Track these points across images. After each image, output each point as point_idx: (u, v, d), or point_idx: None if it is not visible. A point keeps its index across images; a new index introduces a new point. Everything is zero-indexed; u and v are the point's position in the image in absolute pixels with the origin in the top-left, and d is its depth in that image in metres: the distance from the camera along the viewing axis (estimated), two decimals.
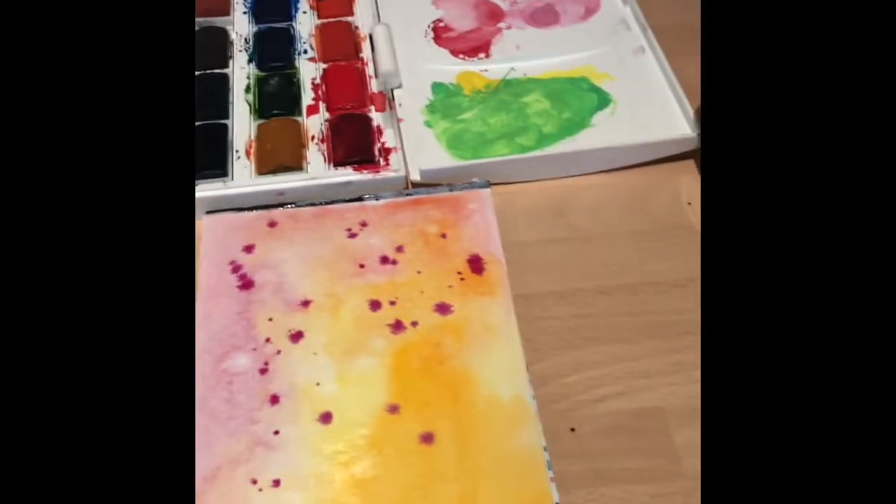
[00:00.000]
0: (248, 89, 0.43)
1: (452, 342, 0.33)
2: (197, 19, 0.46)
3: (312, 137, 0.41)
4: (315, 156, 0.40)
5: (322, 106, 0.42)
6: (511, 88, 0.45)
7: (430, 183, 0.40)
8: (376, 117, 0.42)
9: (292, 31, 0.46)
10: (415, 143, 0.41)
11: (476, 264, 0.36)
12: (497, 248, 0.36)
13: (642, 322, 0.35)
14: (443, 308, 0.34)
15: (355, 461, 0.30)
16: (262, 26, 0.46)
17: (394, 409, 0.32)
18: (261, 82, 0.43)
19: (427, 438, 0.31)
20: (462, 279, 0.35)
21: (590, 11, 0.49)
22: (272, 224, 0.37)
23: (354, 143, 0.40)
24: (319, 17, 0.47)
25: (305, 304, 0.35)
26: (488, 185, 0.39)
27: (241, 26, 0.46)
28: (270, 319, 0.34)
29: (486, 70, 0.45)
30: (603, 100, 0.44)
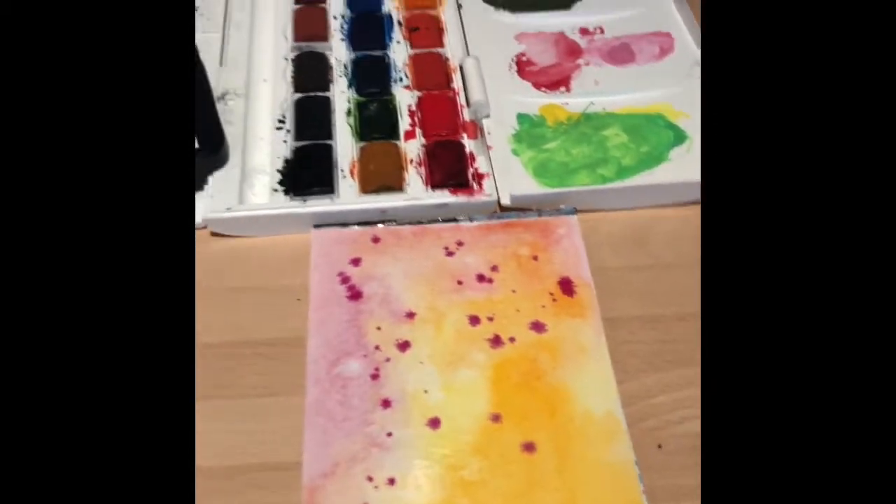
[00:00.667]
0: (349, 112, 0.46)
1: (548, 359, 0.36)
2: (298, 43, 0.49)
3: (411, 161, 0.43)
4: (414, 178, 0.43)
5: (419, 132, 0.45)
6: (591, 122, 0.47)
7: (519, 207, 0.42)
8: (469, 144, 0.45)
9: (387, 60, 0.49)
10: (503, 170, 0.44)
11: (567, 286, 0.38)
12: (586, 272, 0.39)
13: None
14: (537, 326, 0.37)
15: (463, 465, 0.33)
16: (359, 54, 0.49)
17: (496, 418, 0.34)
18: (360, 107, 0.46)
19: (529, 448, 0.33)
20: (554, 300, 0.38)
21: (664, 52, 0.51)
22: (376, 240, 0.40)
23: (450, 167, 0.43)
24: (412, 48, 0.50)
25: (411, 315, 0.37)
26: (575, 211, 0.42)
27: (339, 52, 0.49)
28: (379, 328, 0.37)
29: (567, 103, 0.48)
30: (679, 136, 0.46)
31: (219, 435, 0.34)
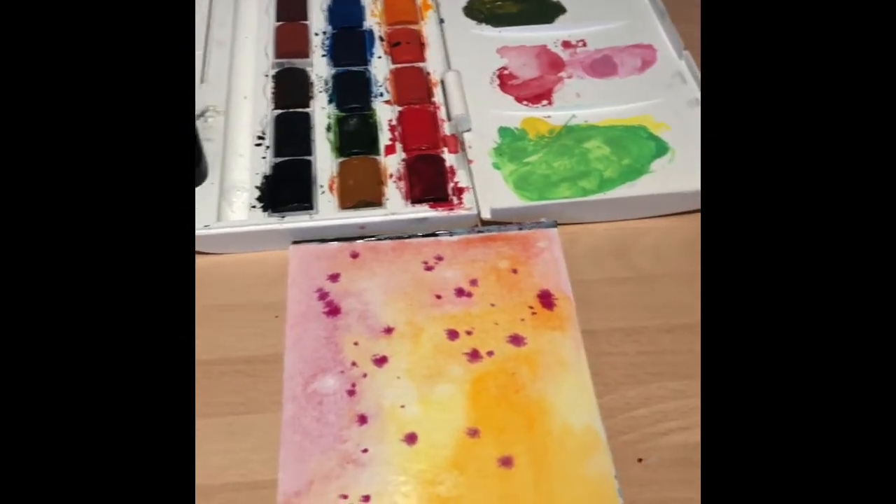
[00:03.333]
0: (328, 128, 0.45)
1: (527, 372, 0.35)
2: (279, 60, 0.49)
3: (391, 175, 0.43)
4: (393, 192, 0.42)
5: (399, 146, 0.45)
6: (573, 134, 0.47)
7: (500, 221, 0.42)
8: (449, 158, 0.44)
9: (368, 75, 0.49)
10: (484, 184, 0.44)
11: (546, 300, 0.38)
12: (566, 285, 0.39)
13: None
14: (516, 340, 0.37)
15: (439, 480, 0.32)
16: (340, 69, 0.49)
17: (474, 432, 0.34)
18: (341, 122, 0.46)
19: (506, 462, 0.33)
20: (534, 313, 0.38)
21: (647, 64, 0.51)
22: (354, 255, 0.40)
23: (430, 182, 0.43)
24: (393, 63, 0.50)
25: (388, 331, 0.37)
26: (555, 224, 0.42)
27: (320, 68, 0.49)
28: (356, 344, 0.36)
29: (549, 116, 0.48)
30: (661, 148, 0.46)
31: (197, 455, 0.34)
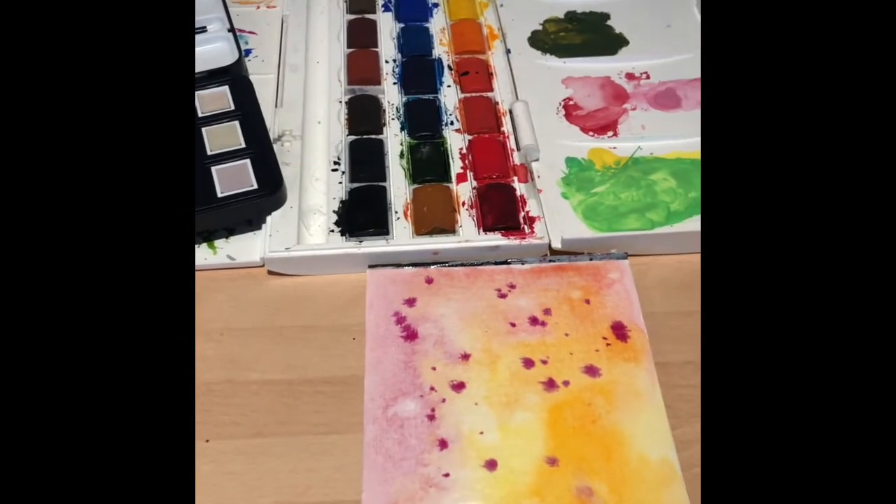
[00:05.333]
0: (401, 155, 0.47)
1: (603, 403, 0.36)
2: (351, 87, 0.51)
3: (463, 203, 0.44)
4: (466, 220, 0.43)
5: (470, 174, 0.46)
6: (639, 166, 0.48)
7: (570, 251, 0.43)
8: (519, 187, 0.45)
9: (438, 103, 0.50)
10: (553, 213, 0.44)
11: (620, 331, 0.39)
12: (639, 318, 0.39)
13: None
14: (591, 370, 0.37)
15: None
16: (410, 97, 0.50)
17: (552, 461, 0.34)
18: (412, 149, 0.47)
19: (585, 492, 0.33)
20: (608, 344, 0.38)
21: None
22: (429, 280, 0.41)
23: (502, 210, 0.44)
24: (462, 92, 0.51)
25: (465, 357, 0.38)
26: (626, 256, 0.42)
27: (391, 95, 0.50)
28: (434, 369, 0.37)
29: (615, 147, 0.49)
30: None
31: (280, 474, 0.35)
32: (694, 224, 0.44)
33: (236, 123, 0.45)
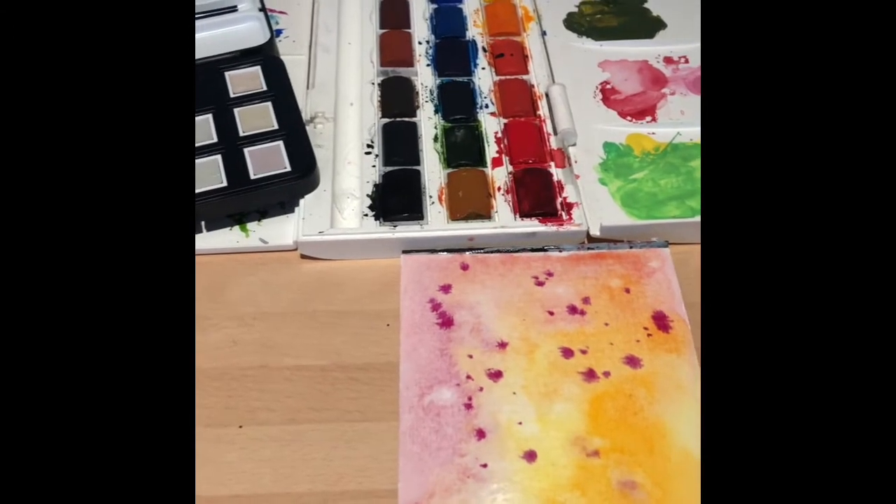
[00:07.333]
0: (436, 139, 0.46)
1: (644, 395, 0.35)
2: (384, 68, 0.50)
3: (498, 188, 0.43)
4: (502, 206, 0.42)
5: (505, 159, 0.45)
6: (678, 152, 0.47)
7: (608, 238, 0.42)
8: (556, 172, 0.44)
9: (472, 86, 0.49)
10: (591, 200, 0.43)
11: (661, 322, 0.38)
12: (681, 308, 0.38)
13: None
14: (632, 361, 0.36)
15: (561, 500, 0.32)
16: (444, 79, 0.49)
17: (594, 453, 0.33)
18: (447, 133, 0.46)
19: (628, 485, 0.32)
20: (649, 335, 0.37)
21: None
22: (464, 267, 0.40)
23: (538, 196, 0.43)
24: (497, 74, 0.50)
25: (502, 345, 0.37)
26: (667, 244, 0.41)
27: (425, 78, 0.49)
28: (470, 357, 0.36)
29: (654, 133, 0.48)
30: None
31: (313, 461, 0.34)
32: None
33: (269, 104, 0.44)
